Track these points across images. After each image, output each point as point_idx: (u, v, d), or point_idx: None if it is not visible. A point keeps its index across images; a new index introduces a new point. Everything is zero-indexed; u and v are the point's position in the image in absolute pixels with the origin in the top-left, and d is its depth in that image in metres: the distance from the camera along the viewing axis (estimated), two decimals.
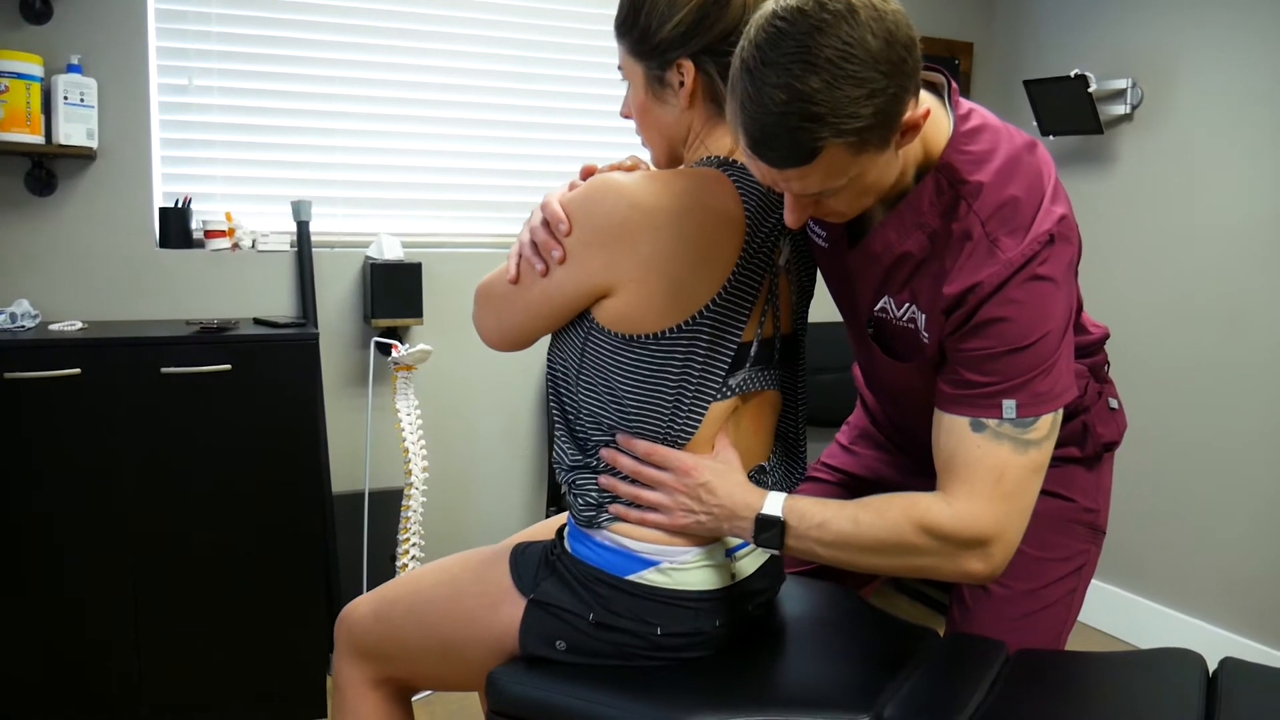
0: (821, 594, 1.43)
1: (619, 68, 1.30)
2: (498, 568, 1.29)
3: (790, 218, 1.13)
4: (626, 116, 1.33)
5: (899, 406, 1.50)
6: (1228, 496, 2.74)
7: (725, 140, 1.24)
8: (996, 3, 3.43)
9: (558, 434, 1.29)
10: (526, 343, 1.30)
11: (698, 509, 1.20)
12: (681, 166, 1.29)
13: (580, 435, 1.26)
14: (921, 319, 1.23)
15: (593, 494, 1.24)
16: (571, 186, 1.22)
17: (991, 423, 1.15)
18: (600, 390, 1.22)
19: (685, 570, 1.21)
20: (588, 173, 1.26)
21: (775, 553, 1.22)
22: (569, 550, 1.26)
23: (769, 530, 1.18)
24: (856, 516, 1.16)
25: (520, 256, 1.22)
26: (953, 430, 1.17)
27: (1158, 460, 2.92)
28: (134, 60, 2.44)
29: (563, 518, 1.35)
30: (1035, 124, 3.06)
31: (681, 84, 1.22)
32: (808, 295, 1.37)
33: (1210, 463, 2.79)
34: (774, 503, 1.19)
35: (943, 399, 1.20)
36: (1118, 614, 3.06)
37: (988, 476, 1.14)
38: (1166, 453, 2.90)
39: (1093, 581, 3.10)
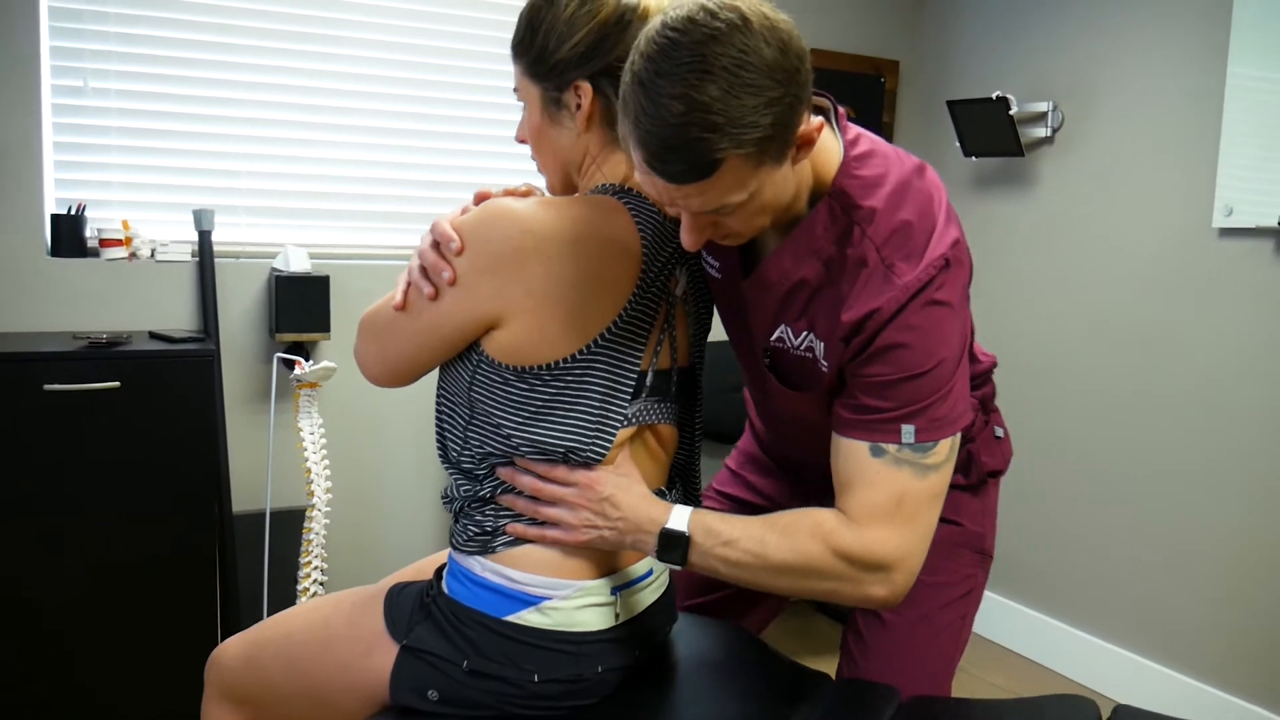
0: (714, 634, 1.39)
1: (514, 90, 1.26)
2: (371, 611, 1.22)
3: (688, 239, 1.10)
4: (522, 141, 1.29)
5: (791, 436, 1.48)
6: (1141, 519, 2.77)
7: (621, 167, 1.21)
8: (923, 22, 3.44)
9: (446, 469, 1.23)
10: (412, 377, 1.24)
11: (601, 524, 1.15)
12: (577, 194, 1.24)
13: (469, 470, 1.20)
14: (820, 347, 1.21)
15: (489, 520, 1.18)
16: (464, 210, 1.16)
17: (891, 448, 1.14)
18: (490, 424, 1.17)
19: (566, 610, 1.16)
20: (481, 198, 1.21)
21: (677, 567, 1.17)
22: (445, 590, 1.20)
23: (673, 546, 1.14)
24: (763, 537, 1.14)
25: (409, 283, 1.17)
26: (851, 455, 1.16)
27: (1072, 481, 2.94)
28: (25, 59, 2.31)
29: (442, 556, 1.29)
30: (958, 144, 3.07)
31: (578, 106, 1.19)
32: (705, 328, 1.33)
33: (1125, 485, 2.81)
34: (679, 517, 1.15)
35: (841, 424, 1.18)
36: (1025, 633, 3.08)
37: (888, 501, 1.13)
38: (1081, 475, 2.92)
39: (1005, 601, 3.12)
